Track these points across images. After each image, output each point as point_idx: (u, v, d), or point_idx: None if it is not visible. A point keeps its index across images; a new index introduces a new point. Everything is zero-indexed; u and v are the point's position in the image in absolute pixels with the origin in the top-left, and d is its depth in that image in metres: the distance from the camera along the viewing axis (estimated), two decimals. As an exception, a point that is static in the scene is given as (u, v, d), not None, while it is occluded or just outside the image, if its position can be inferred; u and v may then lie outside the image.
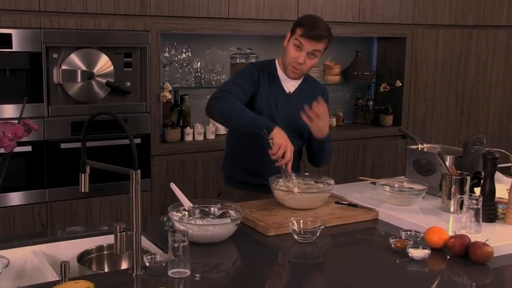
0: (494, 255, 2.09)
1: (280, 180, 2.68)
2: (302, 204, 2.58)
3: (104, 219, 3.78)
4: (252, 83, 2.80)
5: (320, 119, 2.71)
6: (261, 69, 2.86)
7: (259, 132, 2.58)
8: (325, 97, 2.97)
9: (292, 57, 2.76)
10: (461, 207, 2.44)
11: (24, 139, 1.89)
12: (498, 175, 2.69)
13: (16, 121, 1.78)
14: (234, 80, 2.83)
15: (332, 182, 2.71)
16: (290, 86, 2.88)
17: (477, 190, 2.56)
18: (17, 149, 3.37)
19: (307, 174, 2.82)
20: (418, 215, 2.55)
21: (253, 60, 4.34)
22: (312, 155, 3.00)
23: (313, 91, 2.94)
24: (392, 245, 2.18)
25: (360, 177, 3.11)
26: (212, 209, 2.41)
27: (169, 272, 1.91)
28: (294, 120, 2.85)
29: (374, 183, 2.91)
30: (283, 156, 2.56)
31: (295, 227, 2.31)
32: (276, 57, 2.93)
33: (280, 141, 2.56)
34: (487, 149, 2.58)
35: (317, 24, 2.74)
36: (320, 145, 2.89)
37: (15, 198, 3.58)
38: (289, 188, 2.63)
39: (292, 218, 2.36)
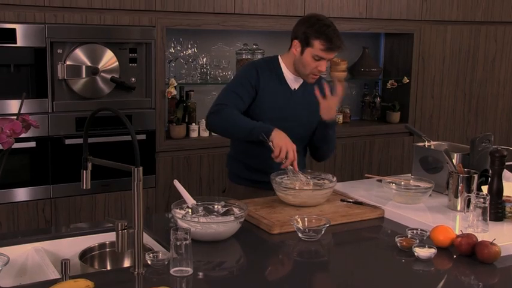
0: (502, 255, 2.06)
1: (283, 176, 2.68)
2: (303, 200, 2.56)
3: (109, 215, 3.77)
4: (250, 87, 2.79)
5: (333, 99, 2.73)
6: (262, 68, 2.84)
7: (259, 139, 2.61)
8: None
9: (313, 67, 2.74)
10: (468, 206, 2.41)
11: (29, 135, 1.88)
12: (506, 173, 2.67)
13: (15, 117, 1.76)
14: (230, 88, 2.82)
15: (334, 179, 2.69)
16: (295, 83, 2.86)
17: (484, 188, 2.53)
18: (21, 145, 3.39)
19: (309, 171, 2.80)
20: (424, 213, 2.52)
21: (259, 56, 4.31)
22: (315, 145, 2.96)
23: (317, 84, 2.91)
24: (398, 244, 2.16)
25: (366, 175, 3.08)
26: (216, 206, 2.39)
27: (172, 271, 1.89)
28: (299, 116, 2.85)
29: (380, 180, 2.88)
30: (286, 157, 2.58)
31: (300, 225, 2.29)
32: (280, 53, 2.90)
33: (280, 143, 2.58)
34: (495, 146, 2.55)
35: (333, 33, 2.69)
36: (324, 131, 2.87)
37: (19, 194, 3.56)
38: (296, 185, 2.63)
39: (297, 216, 2.34)
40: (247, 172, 2.91)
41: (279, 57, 2.87)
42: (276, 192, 2.64)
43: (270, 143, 2.59)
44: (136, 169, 1.83)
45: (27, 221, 3.58)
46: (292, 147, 2.59)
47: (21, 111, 1.85)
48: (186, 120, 4.17)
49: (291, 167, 2.62)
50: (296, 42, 2.76)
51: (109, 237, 2.28)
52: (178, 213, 2.24)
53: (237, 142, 2.95)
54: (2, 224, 3.52)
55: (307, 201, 2.57)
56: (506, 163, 2.50)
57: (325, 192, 2.61)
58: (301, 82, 2.87)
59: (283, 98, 2.83)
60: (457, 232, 2.21)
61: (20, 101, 3.40)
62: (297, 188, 2.62)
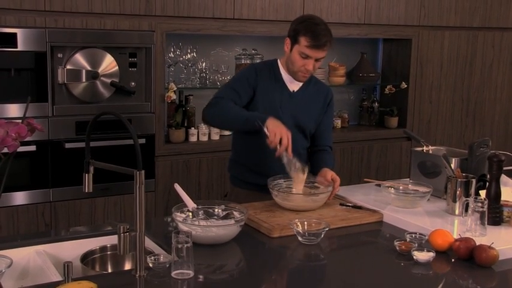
0: (500, 259, 2.08)
1: (279, 181, 2.71)
2: (300, 206, 2.58)
3: (108, 219, 3.78)
4: (247, 86, 2.81)
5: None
6: (261, 70, 2.87)
7: (255, 127, 2.59)
8: (329, 97, 2.98)
9: (300, 65, 2.76)
10: (466, 210, 2.42)
11: (29, 138, 1.89)
12: (504, 178, 2.68)
13: (20, 121, 1.77)
14: (229, 84, 2.86)
15: (331, 183, 2.71)
16: (294, 85, 2.89)
17: (482, 193, 2.54)
18: (21, 149, 3.36)
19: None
20: (422, 218, 2.54)
21: (258, 61, 4.33)
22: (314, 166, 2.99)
23: (317, 91, 2.95)
24: (397, 248, 2.17)
25: (365, 179, 3.10)
26: (216, 210, 2.40)
27: (173, 273, 1.90)
28: (298, 119, 2.87)
29: (379, 185, 2.90)
30: (281, 144, 2.55)
31: (300, 228, 2.30)
32: (280, 57, 2.93)
33: (275, 128, 2.55)
34: (493, 151, 2.57)
35: (320, 31, 2.71)
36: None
37: (19, 197, 3.57)
38: (295, 180, 2.67)
39: (297, 220, 2.35)
40: (249, 175, 2.92)
41: (278, 60, 2.90)
42: (273, 197, 2.65)
43: (265, 129, 2.56)
44: (138, 172, 1.84)
45: (26, 224, 3.59)
46: (286, 134, 2.55)
47: (19, 115, 1.87)
48: (185, 124, 4.19)
49: (286, 153, 2.58)
50: (287, 40, 2.79)
51: (110, 240, 2.29)
52: (179, 216, 2.25)
53: (239, 145, 2.97)
54: (1, 227, 3.53)
55: (303, 205, 2.59)
56: (504, 168, 2.52)
57: (321, 197, 2.63)
58: (301, 85, 2.89)
59: (281, 100, 2.85)
60: (456, 236, 2.23)
61: (21, 104, 3.47)
62: (293, 192, 2.65)
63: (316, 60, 2.75)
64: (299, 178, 2.68)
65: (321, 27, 2.72)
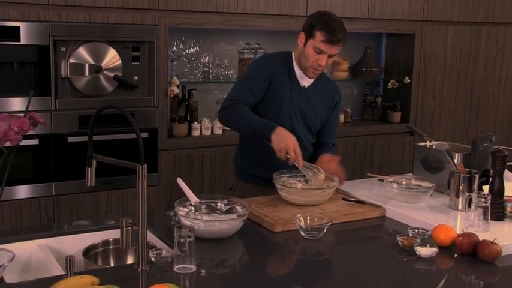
0: (503, 254, 2.07)
1: (284, 175, 2.72)
2: (305, 200, 2.58)
3: (111, 213, 3.78)
4: (263, 82, 2.82)
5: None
6: (277, 62, 2.86)
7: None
8: (337, 97, 2.99)
9: (313, 60, 2.75)
10: (469, 205, 2.42)
11: (31, 132, 1.89)
12: (507, 173, 2.68)
13: (23, 114, 1.77)
14: (244, 82, 2.87)
15: (336, 178, 2.70)
16: (304, 81, 2.88)
17: (485, 188, 2.54)
18: (24, 142, 3.38)
19: None
20: (425, 213, 2.53)
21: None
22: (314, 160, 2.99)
23: (327, 89, 2.95)
24: (400, 243, 2.17)
25: (368, 174, 3.09)
26: (219, 204, 2.40)
27: (175, 268, 1.90)
28: (305, 115, 2.88)
29: (382, 180, 2.89)
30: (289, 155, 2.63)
31: (302, 223, 2.30)
32: (294, 50, 2.91)
33: (279, 146, 2.64)
34: (496, 146, 2.56)
35: (336, 27, 2.71)
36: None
37: (22, 191, 3.58)
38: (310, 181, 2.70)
39: (299, 215, 2.35)
40: (255, 167, 2.93)
41: (293, 53, 2.89)
42: (278, 191, 2.65)
43: (272, 145, 2.66)
44: (141, 167, 1.84)
45: (29, 218, 3.59)
46: (292, 145, 2.63)
47: (22, 109, 1.87)
48: (188, 118, 4.19)
49: (297, 162, 2.66)
50: (302, 34, 2.79)
51: (112, 234, 2.29)
52: (181, 210, 2.25)
53: (244, 136, 2.97)
54: (4, 221, 3.53)
55: (304, 201, 2.58)
56: (508, 163, 2.51)
57: (326, 192, 2.62)
58: (311, 81, 2.89)
59: (293, 94, 2.84)
60: (458, 231, 2.22)
61: (24, 98, 3.47)
62: (299, 187, 2.65)
63: (329, 56, 2.75)
64: (317, 181, 2.69)
65: (337, 23, 2.73)
